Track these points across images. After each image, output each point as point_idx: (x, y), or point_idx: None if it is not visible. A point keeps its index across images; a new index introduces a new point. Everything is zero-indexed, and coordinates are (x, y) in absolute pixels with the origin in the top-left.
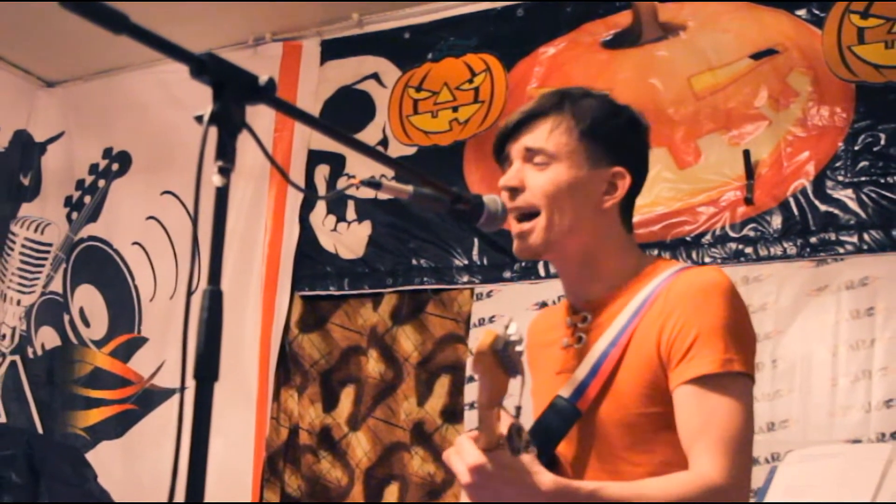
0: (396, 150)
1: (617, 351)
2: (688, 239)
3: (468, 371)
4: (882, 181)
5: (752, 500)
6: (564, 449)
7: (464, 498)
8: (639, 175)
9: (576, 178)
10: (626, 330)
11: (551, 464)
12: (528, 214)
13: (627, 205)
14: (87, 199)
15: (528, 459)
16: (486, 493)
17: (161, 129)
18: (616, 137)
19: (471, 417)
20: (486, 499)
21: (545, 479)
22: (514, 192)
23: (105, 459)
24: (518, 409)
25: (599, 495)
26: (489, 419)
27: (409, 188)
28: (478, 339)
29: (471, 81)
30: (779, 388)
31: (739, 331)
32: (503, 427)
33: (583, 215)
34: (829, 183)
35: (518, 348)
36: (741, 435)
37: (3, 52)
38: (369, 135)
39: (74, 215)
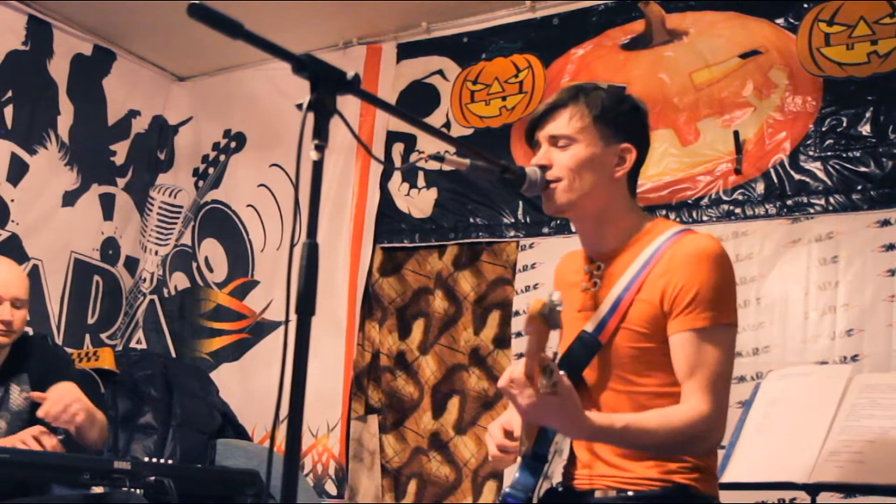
0: (457, 131)
1: (630, 294)
2: (689, 202)
3: (514, 307)
4: (844, 155)
5: (739, 412)
6: (588, 374)
7: (506, 415)
8: (642, 149)
9: (592, 153)
10: (637, 277)
11: (577, 386)
12: (554, 181)
13: (633, 175)
14: (211, 170)
15: (579, 403)
16: (540, 420)
17: (269, 115)
18: (623, 120)
19: (517, 344)
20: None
21: (590, 418)
22: (544, 169)
23: (225, 378)
24: (555, 354)
25: (629, 429)
26: (535, 362)
27: (467, 161)
28: (529, 304)
29: (516, 76)
30: (762, 321)
31: (726, 287)
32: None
33: (599, 183)
34: (802, 157)
35: (558, 309)
36: (723, 376)
37: (144, 53)
38: (435, 119)
39: (200, 183)
